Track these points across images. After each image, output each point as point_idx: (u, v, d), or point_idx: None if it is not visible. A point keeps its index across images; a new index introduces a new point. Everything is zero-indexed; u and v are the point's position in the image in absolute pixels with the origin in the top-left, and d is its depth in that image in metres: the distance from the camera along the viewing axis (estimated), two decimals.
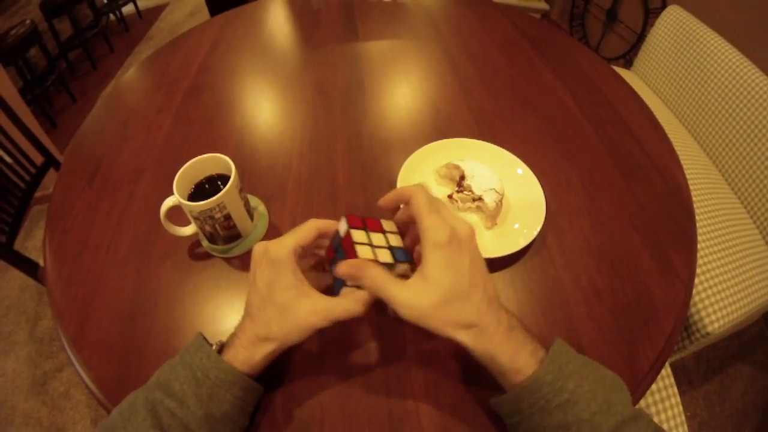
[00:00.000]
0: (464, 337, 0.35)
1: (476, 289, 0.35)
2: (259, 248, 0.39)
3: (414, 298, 0.35)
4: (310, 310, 0.37)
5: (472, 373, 0.45)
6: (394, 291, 0.35)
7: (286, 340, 0.38)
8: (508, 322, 0.36)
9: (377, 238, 0.40)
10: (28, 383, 1.33)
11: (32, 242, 1.72)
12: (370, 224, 0.41)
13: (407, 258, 0.40)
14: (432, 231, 0.36)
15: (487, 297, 0.36)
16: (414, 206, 0.37)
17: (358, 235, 0.39)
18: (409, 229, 0.43)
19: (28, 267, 0.94)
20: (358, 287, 0.39)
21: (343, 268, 0.37)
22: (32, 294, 1.55)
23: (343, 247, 0.39)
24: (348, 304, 0.38)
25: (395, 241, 0.41)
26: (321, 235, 0.41)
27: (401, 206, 0.42)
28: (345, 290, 0.40)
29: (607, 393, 0.34)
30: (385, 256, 0.39)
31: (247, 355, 0.37)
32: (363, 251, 0.38)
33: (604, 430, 0.32)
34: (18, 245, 0.96)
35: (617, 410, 0.33)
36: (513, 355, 0.35)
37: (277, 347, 0.38)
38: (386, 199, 0.41)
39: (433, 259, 0.35)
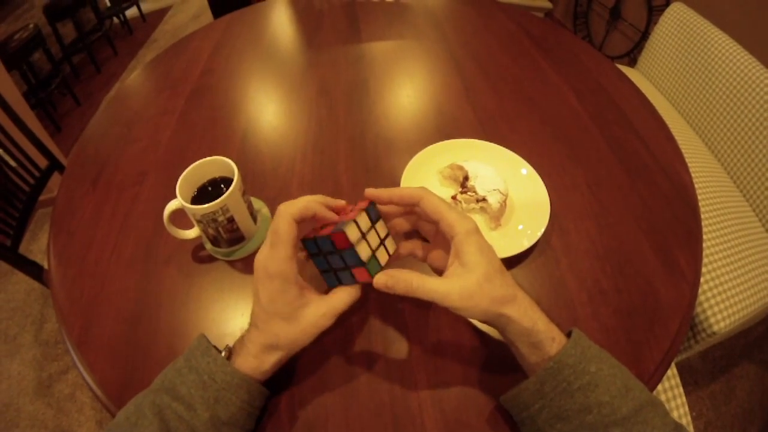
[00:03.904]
0: (510, 310, 0.36)
1: (503, 267, 0.38)
2: (258, 264, 0.38)
3: (458, 282, 0.36)
4: (314, 314, 0.38)
5: (476, 376, 0.44)
6: (434, 285, 0.36)
7: (294, 347, 0.39)
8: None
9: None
10: (33, 386, 1.34)
11: (37, 245, 1.73)
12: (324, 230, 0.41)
13: (376, 214, 0.40)
14: (460, 222, 0.38)
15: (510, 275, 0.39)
16: (431, 205, 0.39)
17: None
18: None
19: (33, 270, 0.94)
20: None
21: (382, 279, 0.37)
22: (37, 297, 1.56)
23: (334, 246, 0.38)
24: (343, 293, 0.39)
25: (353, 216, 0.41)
26: (302, 220, 0.40)
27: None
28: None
29: (625, 377, 0.35)
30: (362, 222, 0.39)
31: (258, 364, 0.38)
32: (350, 232, 0.37)
33: (623, 413, 0.32)
34: (23, 248, 0.97)
35: (635, 395, 0.34)
36: (547, 323, 0.37)
37: (286, 354, 0.39)
38: (381, 196, 0.41)
39: (468, 246, 0.37)
